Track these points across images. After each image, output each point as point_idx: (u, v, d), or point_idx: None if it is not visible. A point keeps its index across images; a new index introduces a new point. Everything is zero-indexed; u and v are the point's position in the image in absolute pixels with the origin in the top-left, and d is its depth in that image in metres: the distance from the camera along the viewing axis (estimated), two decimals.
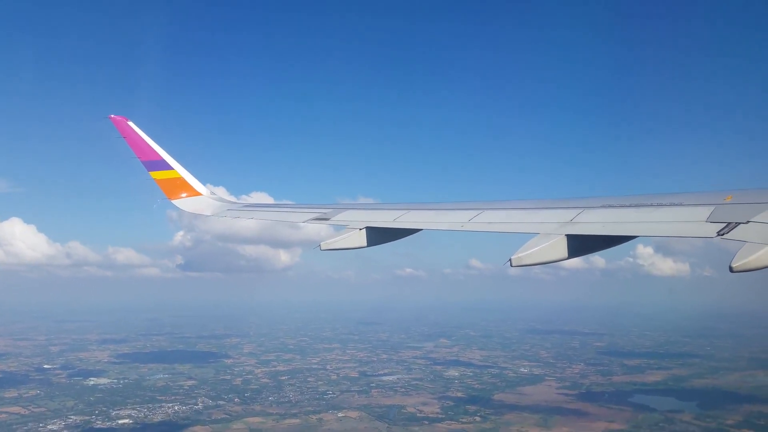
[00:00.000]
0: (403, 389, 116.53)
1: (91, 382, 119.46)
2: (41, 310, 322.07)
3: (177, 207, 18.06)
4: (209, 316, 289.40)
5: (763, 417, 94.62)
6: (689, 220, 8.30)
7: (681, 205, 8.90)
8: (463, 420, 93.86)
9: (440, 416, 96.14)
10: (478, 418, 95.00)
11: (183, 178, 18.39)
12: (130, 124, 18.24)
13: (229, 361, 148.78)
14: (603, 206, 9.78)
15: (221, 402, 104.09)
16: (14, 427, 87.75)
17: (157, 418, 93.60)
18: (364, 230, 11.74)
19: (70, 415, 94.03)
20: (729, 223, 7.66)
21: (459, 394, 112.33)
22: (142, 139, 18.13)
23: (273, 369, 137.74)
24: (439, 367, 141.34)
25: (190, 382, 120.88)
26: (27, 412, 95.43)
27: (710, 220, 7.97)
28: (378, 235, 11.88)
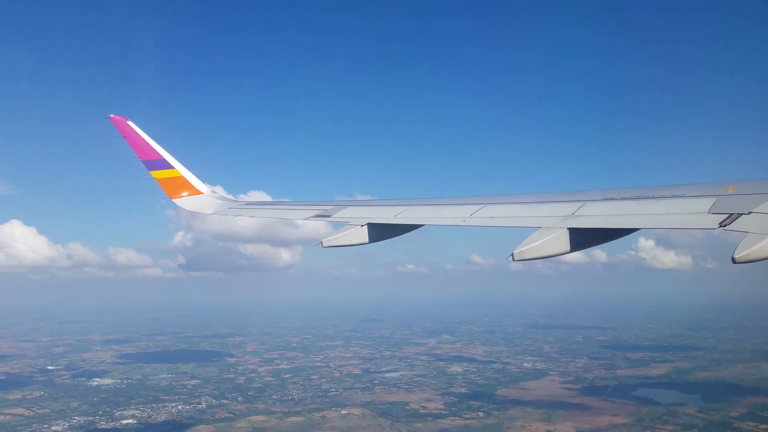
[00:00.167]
0: (407, 386, 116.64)
1: (95, 383, 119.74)
2: (43, 311, 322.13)
3: (178, 206, 18.03)
4: (212, 316, 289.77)
5: (767, 409, 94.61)
6: (691, 212, 8.27)
7: (683, 196, 8.88)
8: (467, 416, 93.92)
9: (444, 412, 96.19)
10: (481, 414, 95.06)
11: (184, 177, 18.28)
12: (130, 123, 18.11)
13: (232, 360, 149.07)
14: (604, 199, 9.76)
15: (225, 401, 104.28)
16: (18, 428, 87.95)
17: (161, 417, 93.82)
18: (365, 227, 11.71)
19: (74, 415, 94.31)
20: (731, 214, 7.62)
21: (462, 390, 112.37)
22: (142, 139, 18.01)
23: (276, 367, 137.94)
24: (442, 363, 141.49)
25: (193, 382, 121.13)
26: (31, 414, 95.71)
27: (712, 212, 7.94)
28: (379, 232, 11.84)
